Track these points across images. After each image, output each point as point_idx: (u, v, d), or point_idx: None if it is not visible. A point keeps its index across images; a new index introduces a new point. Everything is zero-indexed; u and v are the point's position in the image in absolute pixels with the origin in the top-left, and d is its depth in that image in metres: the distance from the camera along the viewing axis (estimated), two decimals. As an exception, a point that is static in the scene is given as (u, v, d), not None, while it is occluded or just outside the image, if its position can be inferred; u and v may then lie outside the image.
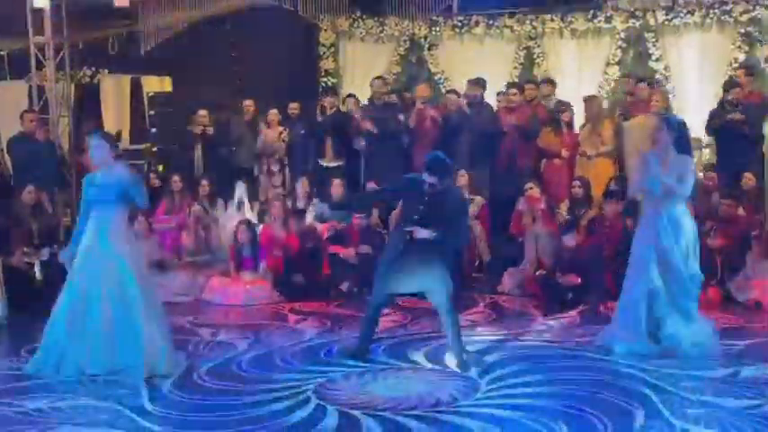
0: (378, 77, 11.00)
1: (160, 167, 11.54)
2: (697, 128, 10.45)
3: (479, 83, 10.26)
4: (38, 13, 10.99)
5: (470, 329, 7.13)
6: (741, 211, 8.53)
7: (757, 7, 11.00)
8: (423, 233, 5.87)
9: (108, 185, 5.88)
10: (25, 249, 8.47)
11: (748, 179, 8.95)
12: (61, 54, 11.31)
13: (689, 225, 6.12)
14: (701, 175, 9.71)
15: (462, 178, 9.44)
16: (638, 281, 6.15)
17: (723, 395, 5.17)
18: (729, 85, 9.75)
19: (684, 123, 6.38)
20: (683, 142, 6.08)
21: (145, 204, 6.27)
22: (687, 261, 6.09)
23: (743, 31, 11.06)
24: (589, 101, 10.02)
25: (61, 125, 11.28)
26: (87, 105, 12.93)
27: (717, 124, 9.61)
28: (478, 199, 9.47)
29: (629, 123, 9.56)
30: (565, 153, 9.77)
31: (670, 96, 10.90)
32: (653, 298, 6.10)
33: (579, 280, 8.03)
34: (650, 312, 6.13)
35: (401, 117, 10.21)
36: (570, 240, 8.26)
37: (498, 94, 10.56)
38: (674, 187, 6.00)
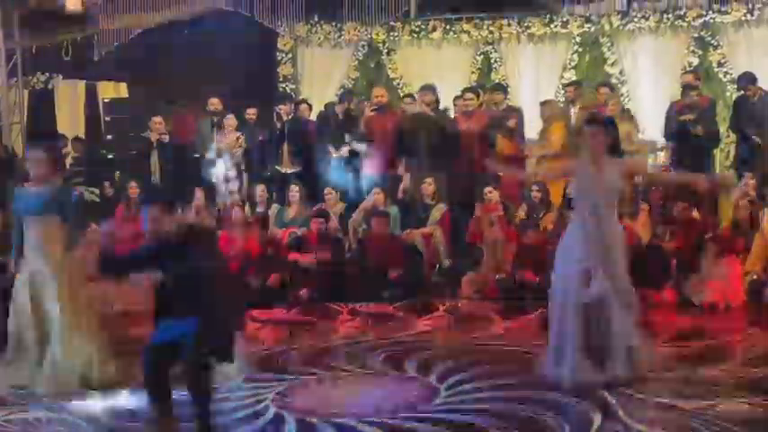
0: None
1: (116, 175, 11.40)
2: (651, 131, 10.61)
3: (431, 88, 10.25)
4: (-11, 18, 10.82)
5: (430, 334, 7.13)
6: (696, 214, 8.63)
7: (710, 12, 11.16)
8: None
9: (36, 198, 5.77)
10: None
11: (702, 182, 9.06)
12: (13, 60, 11.13)
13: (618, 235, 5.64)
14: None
15: (429, 187, 9.46)
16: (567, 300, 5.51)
17: (679, 396, 5.21)
18: (687, 88, 9.85)
19: (614, 122, 5.98)
20: (615, 144, 5.67)
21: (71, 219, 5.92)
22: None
23: (696, 35, 11.23)
24: (544, 105, 10.10)
25: (14, 132, 11.10)
26: (41, 112, 12.73)
27: (672, 127, 9.73)
28: (440, 206, 9.49)
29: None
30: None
31: (624, 100, 11.03)
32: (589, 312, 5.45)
33: (537, 278, 8.07)
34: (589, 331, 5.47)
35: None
36: (531, 236, 8.34)
37: (455, 99, 10.61)
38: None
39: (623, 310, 5.47)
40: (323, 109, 10.95)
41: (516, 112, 10.25)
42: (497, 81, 11.45)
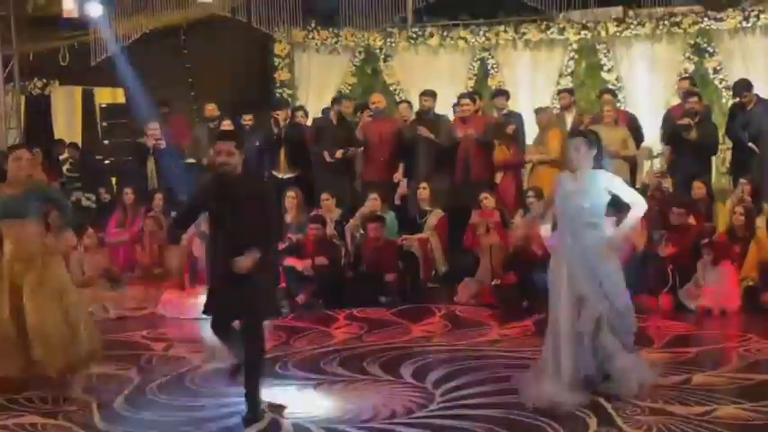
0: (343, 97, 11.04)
1: (112, 180, 11.41)
2: (647, 137, 10.65)
3: (431, 94, 10.27)
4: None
5: (426, 340, 7.14)
6: (692, 220, 8.65)
7: (705, 19, 11.21)
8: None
9: (20, 199, 5.59)
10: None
11: (698, 188, 9.10)
12: (10, 65, 11.13)
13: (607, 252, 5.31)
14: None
15: (424, 191, 9.47)
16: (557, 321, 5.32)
17: (674, 402, 5.22)
18: (687, 95, 9.86)
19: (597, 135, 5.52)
20: (599, 157, 5.32)
21: (68, 215, 5.85)
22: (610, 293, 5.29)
23: (692, 42, 11.27)
24: (540, 111, 10.12)
25: (10, 137, 11.10)
26: (38, 117, 12.74)
27: (669, 133, 9.73)
28: (437, 211, 9.50)
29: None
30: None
31: (621, 106, 11.06)
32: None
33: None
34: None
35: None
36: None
37: (454, 105, 10.62)
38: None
39: (618, 330, 5.28)
40: (320, 114, 10.95)
41: (516, 117, 10.25)
42: (500, 87, 11.40)
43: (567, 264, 5.23)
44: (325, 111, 10.98)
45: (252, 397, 5.11)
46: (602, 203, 5.27)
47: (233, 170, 5.15)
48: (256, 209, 5.03)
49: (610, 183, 5.25)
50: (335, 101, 10.86)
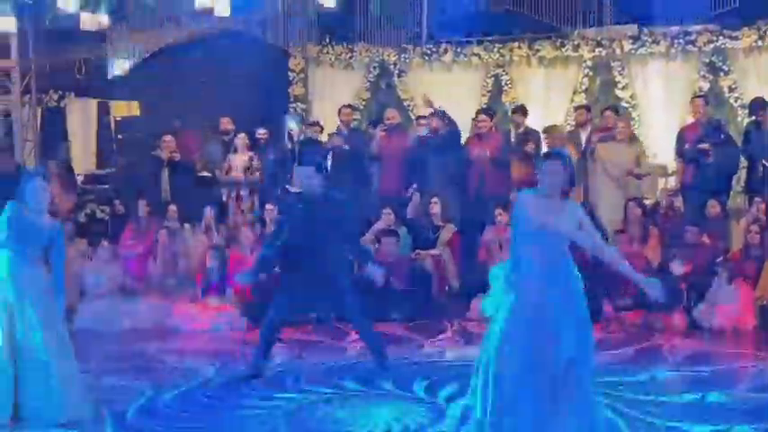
0: (347, 105, 11.04)
1: (126, 193, 11.45)
2: (662, 155, 10.62)
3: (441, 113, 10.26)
4: (3, 36, 10.89)
5: (439, 355, 7.12)
6: (705, 239, 8.62)
7: (720, 38, 11.20)
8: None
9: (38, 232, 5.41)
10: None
11: (712, 206, 9.06)
12: (27, 78, 11.21)
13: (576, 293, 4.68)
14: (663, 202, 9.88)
15: (435, 206, 9.47)
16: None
17: (689, 420, 5.18)
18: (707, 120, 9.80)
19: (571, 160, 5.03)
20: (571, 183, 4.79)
21: (60, 263, 5.53)
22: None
23: (707, 60, 11.25)
24: (549, 130, 10.11)
25: (26, 149, 11.17)
26: (53, 130, 12.82)
27: (686, 154, 9.69)
28: (450, 226, 9.50)
29: (599, 149, 9.71)
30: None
31: (635, 124, 11.05)
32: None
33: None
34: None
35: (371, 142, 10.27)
36: None
37: (473, 120, 10.59)
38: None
39: (581, 377, 4.56)
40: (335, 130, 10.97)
41: (535, 135, 10.21)
42: (516, 103, 11.37)
43: (536, 293, 4.60)
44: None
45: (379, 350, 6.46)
46: (567, 239, 4.67)
47: (315, 190, 6.29)
48: (337, 222, 6.23)
49: (582, 218, 4.69)
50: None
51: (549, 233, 4.60)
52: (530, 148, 9.87)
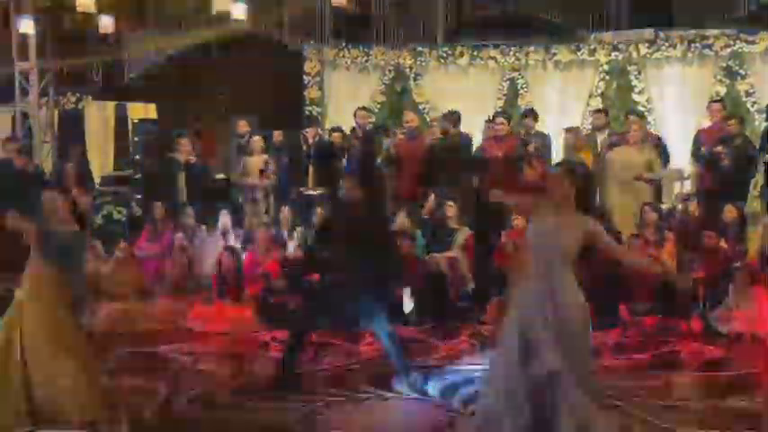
0: (362, 108, 11.06)
1: (143, 194, 11.52)
2: (678, 160, 10.58)
3: (454, 115, 10.27)
4: (23, 39, 10.97)
5: (454, 359, 7.11)
6: (723, 243, 8.57)
7: (737, 42, 11.16)
8: None
9: (54, 240, 5.42)
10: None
11: (729, 211, 9.01)
12: (45, 80, 11.30)
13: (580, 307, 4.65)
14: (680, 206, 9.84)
15: (450, 209, 9.46)
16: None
17: (706, 427, 5.16)
18: (726, 117, 9.75)
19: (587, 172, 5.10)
20: (587, 196, 4.82)
21: (81, 270, 5.67)
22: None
23: (724, 65, 11.21)
24: (569, 132, 10.09)
25: (44, 151, 11.25)
26: (71, 132, 12.91)
27: (702, 157, 9.65)
28: (465, 229, 9.49)
29: (612, 154, 9.68)
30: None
31: (651, 128, 11.01)
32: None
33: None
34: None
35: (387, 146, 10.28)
36: None
37: (487, 121, 10.59)
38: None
39: (579, 391, 4.52)
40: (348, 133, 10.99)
41: (540, 137, 10.20)
42: (530, 107, 11.35)
43: (534, 303, 4.61)
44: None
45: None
46: (574, 252, 4.66)
47: (355, 199, 6.41)
48: (374, 231, 6.38)
49: (594, 229, 4.67)
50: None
51: (547, 249, 4.61)
52: (531, 148, 9.82)
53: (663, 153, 10.03)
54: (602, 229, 4.73)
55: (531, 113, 10.60)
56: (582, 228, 4.62)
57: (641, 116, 10.40)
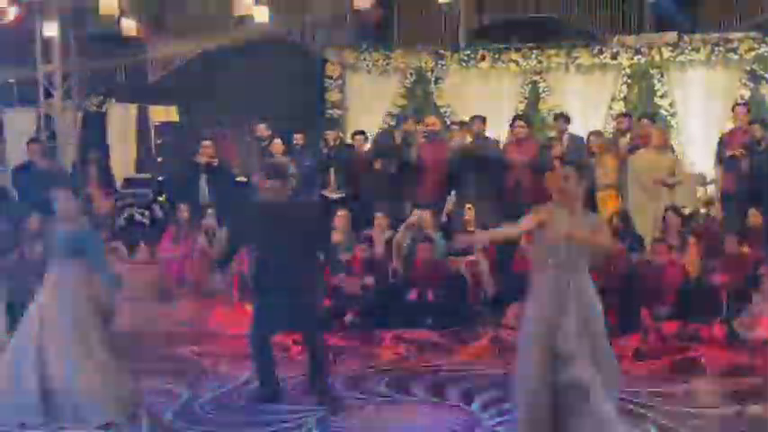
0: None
1: (163, 197, 11.57)
2: (701, 164, 10.50)
3: (480, 118, 10.24)
4: (47, 41, 11.07)
5: (474, 363, 7.09)
6: (746, 248, 8.49)
7: (762, 45, 11.06)
8: None
9: (65, 240, 5.57)
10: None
11: (753, 216, 8.93)
12: (68, 82, 11.39)
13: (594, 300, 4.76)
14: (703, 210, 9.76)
15: (470, 211, 9.44)
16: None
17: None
18: (751, 122, 9.66)
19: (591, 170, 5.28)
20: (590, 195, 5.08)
21: (103, 269, 5.65)
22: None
23: (748, 68, 11.12)
24: (593, 136, 10.03)
25: (68, 152, 11.33)
26: (94, 133, 12.99)
27: (724, 160, 9.57)
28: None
29: (634, 158, 9.62)
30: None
31: (672, 132, 10.92)
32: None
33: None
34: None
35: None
36: None
37: (510, 124, 10.53)
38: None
39: (605, 390, 4.57)
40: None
41: (576, 140, 10.09)
42: (560, 110, 11.25)
43: (553, 306, 4.67)
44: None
45: (325, 393, 5.86)
46: (587, 250, 4.75)
47: (282, 197, 5.95)
48: (305, 230, 5.83)
49: (599, 228, 4.81)
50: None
51: (561, 244, 4.64)
52: (556, 152, 9.75)
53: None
54: (605, 227, 4.91)
55: (563, 116, 10.47)
56: (591, 225, 4.73)
57: (653, 119, 10.31)
